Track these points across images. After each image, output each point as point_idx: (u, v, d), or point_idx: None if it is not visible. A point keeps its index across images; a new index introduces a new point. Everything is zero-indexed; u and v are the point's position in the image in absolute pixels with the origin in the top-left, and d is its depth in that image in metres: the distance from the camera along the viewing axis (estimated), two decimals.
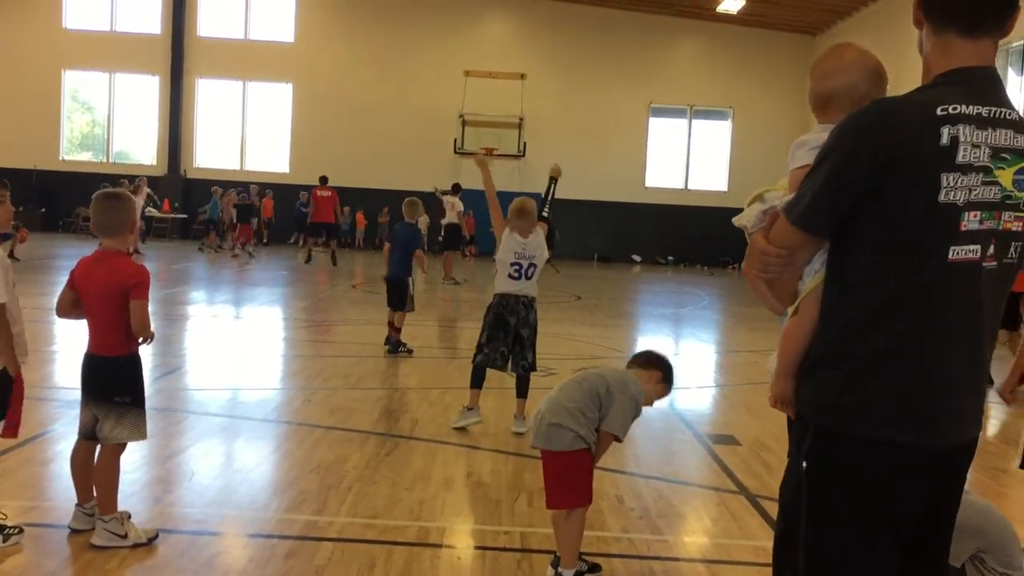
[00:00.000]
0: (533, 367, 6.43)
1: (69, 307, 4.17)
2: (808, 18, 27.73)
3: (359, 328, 11.38)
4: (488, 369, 6.44)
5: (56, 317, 4.32)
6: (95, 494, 4.13)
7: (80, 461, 4.18)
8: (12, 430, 4.07)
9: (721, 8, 27.42)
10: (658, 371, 4.05)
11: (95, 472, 4.12)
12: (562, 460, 3.76)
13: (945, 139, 1.95)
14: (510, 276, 6.33)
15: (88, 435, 4.13)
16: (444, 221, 20.02)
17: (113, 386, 4.09)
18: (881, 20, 23.28)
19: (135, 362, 4.17)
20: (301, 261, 21.44)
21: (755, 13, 27.68)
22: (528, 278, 6.35)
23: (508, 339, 6.33)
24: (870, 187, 1.99)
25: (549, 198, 7.01)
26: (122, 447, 4.16)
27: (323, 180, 21.67)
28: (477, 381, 6.45)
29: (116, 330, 4.08)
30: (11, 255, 18.24)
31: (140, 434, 4.16)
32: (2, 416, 4.00)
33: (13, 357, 3.99)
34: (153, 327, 4.22)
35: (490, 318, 6.39)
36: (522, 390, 6.44)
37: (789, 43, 29.38)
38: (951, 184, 1.95)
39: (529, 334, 6.38)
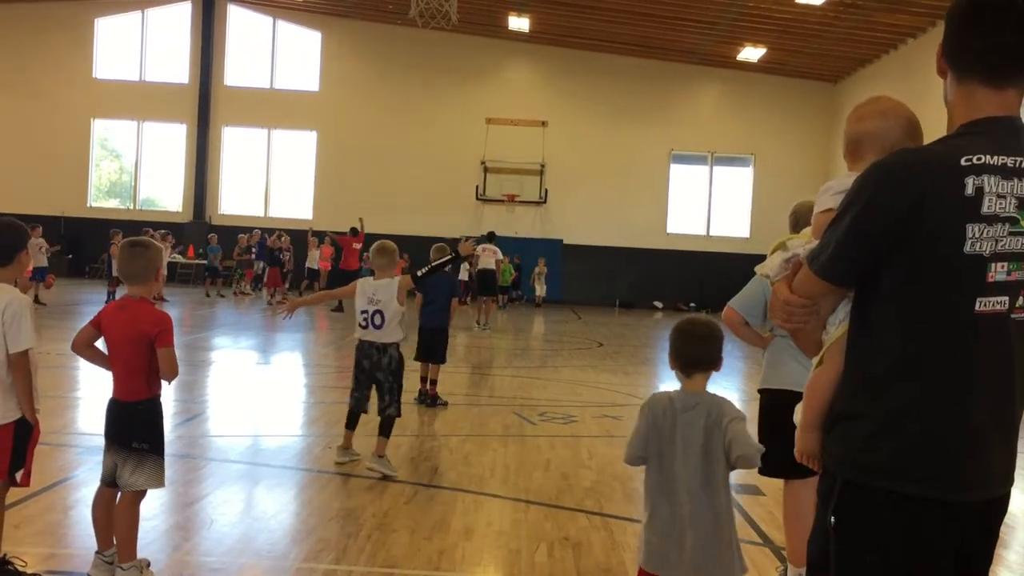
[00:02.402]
0: (391, 411, 6.47)
1: (85, 345, 4.18)
2: (828, 66, 27.86)
3: None
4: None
5: (78, 364, 4.35)
6: (115, 541, 4.12)
7: (101, 507, 4.16)
8: (27, 479, 4.09)
9: (741, 56, 27.61)
10: (711, 370, 3.27)
11: (115, 519, 4.11)
12: None
13: (970, 189, 1.93)
14: (360, 324, 6.53)
15: (109, 481, 4.12)
16: (480, 267, 20.09)
17: (132, 432, 4.08)
18: (901, 68, 23.35)
19: (155, 408, 4.17)
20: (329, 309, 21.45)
21: (775, 61, 27.85)
22: (376, 326, 6.44)
23: (368, 383, 6.52)
24: (893, 237, 1.97)
25: (434, 265, 7.15)
26: (142, 494, 4.14)
27: (354, 231, 21.81)
28: (349, 423, 6.64)
29: (136, 376, 4.09)
30: (36, 300, 18.47)
31: (158, 482, 4.15)
32: (21, 465, 4.01)
33: (32, 406, 4.01)
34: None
35: (354, 364, 6.61)
36: (384, 430, 6.43)
37: (810, 90, 29.50)
38: (976, 235, 1.93)
39: (384, 377, 6.48)
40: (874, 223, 1.99)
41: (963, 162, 1.95)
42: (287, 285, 25.28)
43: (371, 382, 6.53)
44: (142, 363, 4.07)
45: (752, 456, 3.10)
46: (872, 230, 1.99)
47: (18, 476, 4.01)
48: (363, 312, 6.48)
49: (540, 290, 27.91)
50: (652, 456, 3.16)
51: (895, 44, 24.22)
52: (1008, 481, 2.10)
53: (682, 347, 3.23)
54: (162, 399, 4.23)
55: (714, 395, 3.23)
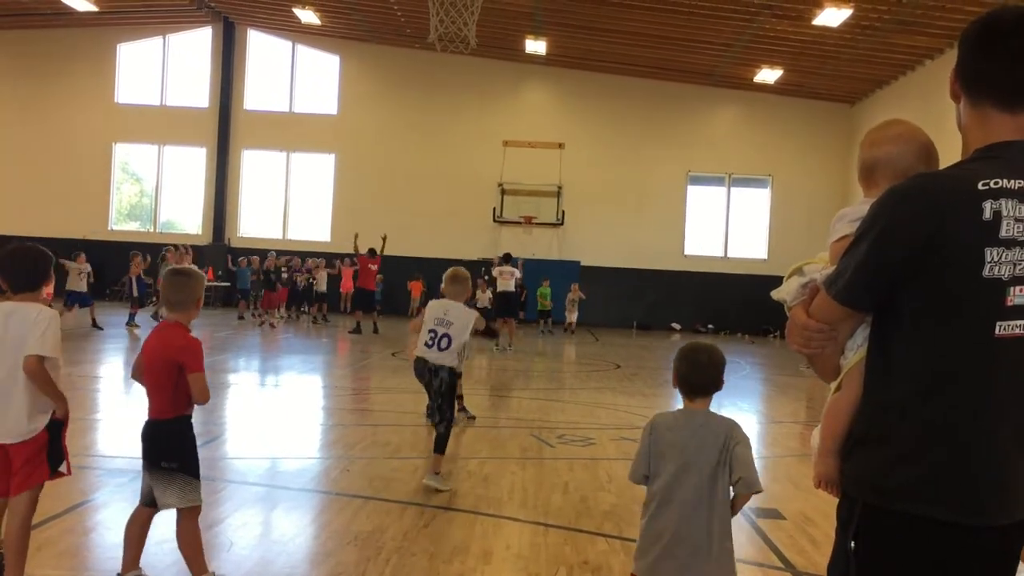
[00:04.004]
0: (441, 429, 6.74)
1: (140, 372, 4.32)
2: (846, 87, 27.86)
3: (398, 396, 11.38)
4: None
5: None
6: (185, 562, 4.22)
7: (136, 525, 4.25)
8: (69, 468, 4.20)
9: (758, 78, 27.65)
10: (714, 392, 3.42)
11: (177, 540, 4.20)
12: None
13: (988, 214, 1.94)
14: (425, 343, 6.80)
15: (148, 501, 4.21)
16: (499, 289, 20.19)
17: (159, 451, 4.16)
18: (919, 90, 23.31)
19: (183, 428, 4.24)
20: (347, 331, 21.49)
21: (792, 83, 27.87)
22: (441, 349, 6.76)
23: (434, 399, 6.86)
24: (911, 262, 1.97)
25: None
26: (194, 511, 4.22)
27: (372, 252, 21.89)
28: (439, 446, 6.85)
29: (162, 395, 4.17)
30: (94, 324, 18.64)
31: (190, 500, 4.19)
32: (61, 460, 4.09)
33: (62, 398, 4.10)
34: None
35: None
36: (438, 447, 6.72)
37: (827, 112, 29.49)
38: (995, 259, 1.93)
39: (434, 398, 6.81)
40: (891, 248, 1.99)
41: (980, 186, 1.95)
42: (304, 306, 25.43)
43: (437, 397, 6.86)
44: (168, 383, 4.14)
45: (752, 481, 3.24)
46: (890, 255, 2.00)
47: (63, 468, 4.12)
48: (431, 331, 6.78)
49: (572, 317, 26.47)
50: (655, 474, 3.29)
51: (912, 66, 24.19)
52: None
53: (688, 374, 3.38)
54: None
55: (722, 416, 3.38)
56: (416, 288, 28.90)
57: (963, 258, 1.94)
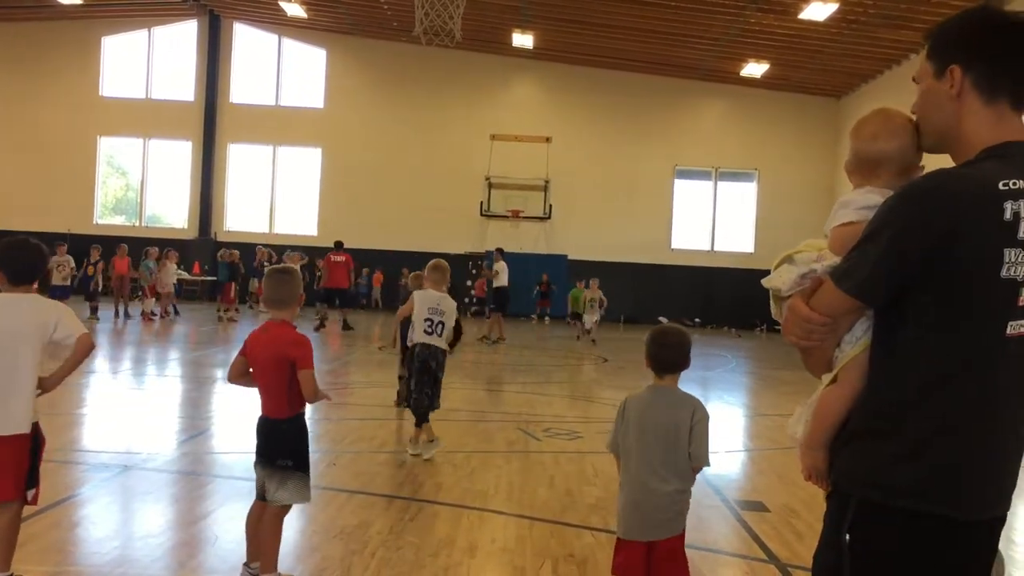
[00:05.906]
0: (436, 404, 7.59)
1: (239, 374, 4.42)
2: (832, 81, 27.94)
3: (384, 391, 11.36)
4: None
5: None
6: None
7: (252, 519, 4.36)
8: (36, 498, 4.11)
9: (745, 72, 27.70)
10: (681, 370, 3.76)
11: (259, 532, 4.28)
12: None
13: (1008, 214, 1.93)
14: (425, 331, 7.36)
15: (261, 495, 4.30)
16: (495, 284, 20.34)
17: (275, 449, 4.28)
18: (905, 84, 23.05)
19: (298, 427, 4.35)
20: (311, 328, 21.37)
21: (779, 77, 27.93)
22: (439, 335, 7.40)
23: (431, 382, 7.40)
24: (932, 259, 1.96)
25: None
26: (287, 509, 4.33)
27: (338, 245, 21.77)
28: (422, 419, 7.44)
29: (278, 395, 4.28)
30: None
31: (302, 497, 4.33)
32: (33, 483, 4.02)
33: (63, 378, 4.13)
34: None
35: (416, 365, 7.41)
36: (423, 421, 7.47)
37: (814, 106, 29.57)
38: (1013, 259, 1.94)
39: (441, 376, 7.50)
40: (911, 245, 1.97)
41: (1001, 187, 1.95)
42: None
43: (434, 380, 7.40)
44: (283, 383, 4.25)
45: (700, 456, 3.59)
46: (909, 252, 1.98)
47: (30, 495, 4.03)
48: (427, 320, 7.36)
49: (591, 320, 21.04)
50: (625, 446, 3.69)
51: (898, 60, 24.29)
52: (1010, 499, 2.12)
53: (657, 353, 3.75)
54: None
55: (687, 393, 3.73)
56: (377, 279, 29.21)
57: (984, 258, 1.94)
